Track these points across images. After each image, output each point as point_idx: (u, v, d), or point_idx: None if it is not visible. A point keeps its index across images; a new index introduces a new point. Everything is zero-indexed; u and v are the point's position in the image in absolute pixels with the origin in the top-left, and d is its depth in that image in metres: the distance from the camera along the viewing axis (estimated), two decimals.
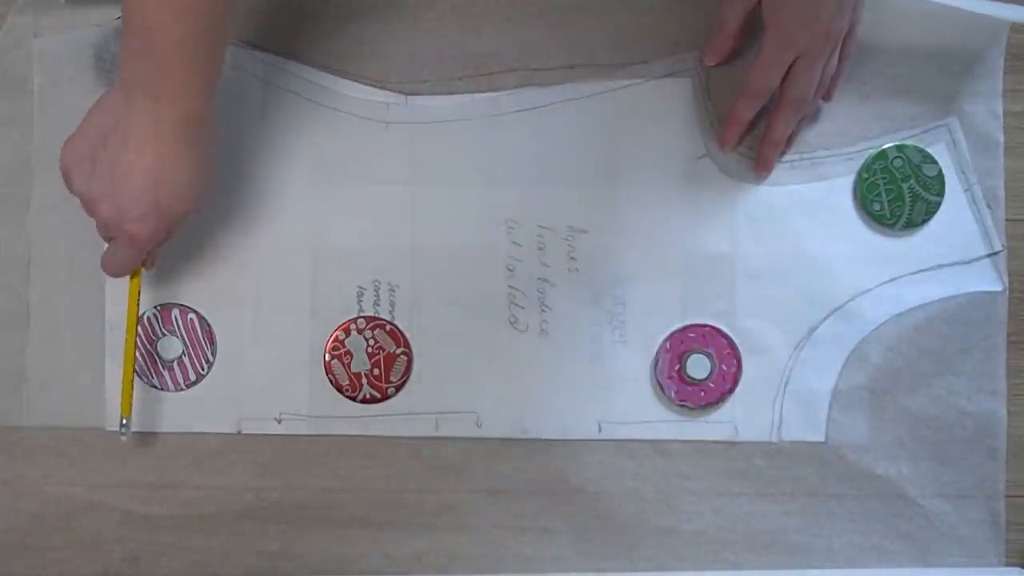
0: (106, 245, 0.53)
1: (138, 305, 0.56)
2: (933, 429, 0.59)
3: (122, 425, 0.56)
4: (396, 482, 0.59)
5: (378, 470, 0.59)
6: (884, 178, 0.59)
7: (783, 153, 0.59)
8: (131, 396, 0.56)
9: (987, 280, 0.59)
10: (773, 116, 0.57)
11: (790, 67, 0.55)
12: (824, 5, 0.52)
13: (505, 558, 0.59)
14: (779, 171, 0.59)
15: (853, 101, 0.59)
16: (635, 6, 0.59)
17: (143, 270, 0.55)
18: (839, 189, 0.59)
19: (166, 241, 0.53)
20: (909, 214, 0.59)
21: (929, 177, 0.59)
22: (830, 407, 0.59)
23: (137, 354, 0.58)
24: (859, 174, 0.59)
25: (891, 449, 0.59)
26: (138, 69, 0.47)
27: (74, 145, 0.50)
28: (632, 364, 0.59)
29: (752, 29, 0.57)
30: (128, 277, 0.55)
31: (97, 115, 0.50)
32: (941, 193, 0.59)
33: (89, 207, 0.51)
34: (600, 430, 0.59)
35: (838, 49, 0.55)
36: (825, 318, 0.59)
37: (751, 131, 0.59)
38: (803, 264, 0.59)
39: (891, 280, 0.59)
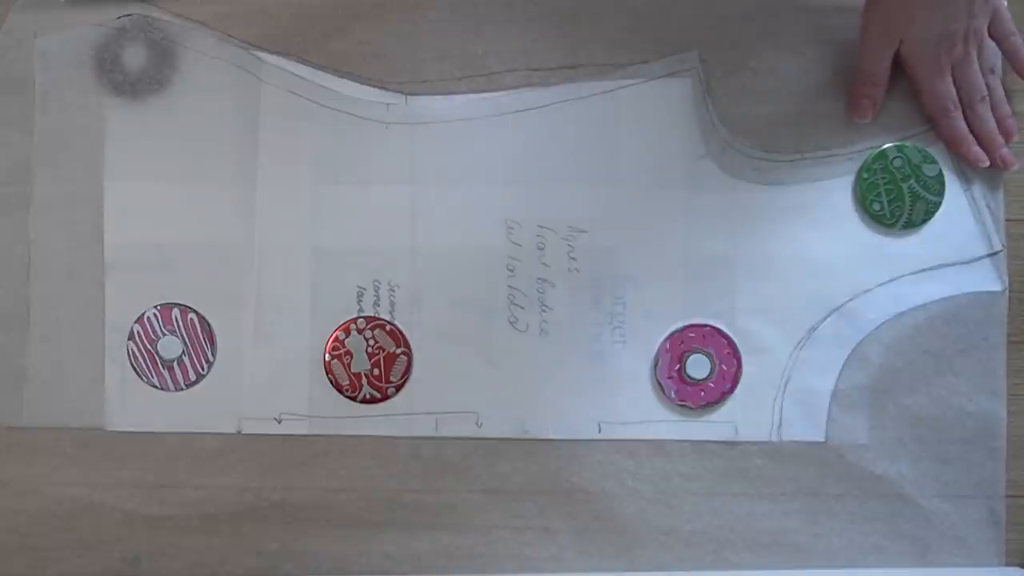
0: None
1: None
2: (933, 429, 0.59)
3: None
4: (396, 482, 0.59)
5: (378, 470, 0.59)
6: (884, 178, 0.59)
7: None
8: None
9: (987, 280, 0.59)
10: (973, 121, 0.58)
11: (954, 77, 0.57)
12: (953, 19, 0.54)
13: (505, 558, 0.59)
14: (779, 171, 0.59)
15: None
16: (635, 6, 0.59)
17: None
18: (839, 189, 0.59)
19: None
20: (909, 214, 0.59)
21: (929, 177, 0.59)
22: (830, 407, 0.59)
23: (137, 354, 0.58)
24: (859, 174, 0.59)
25: (891, 449, 0.59)
26: None
27: None
28: (632, 364, 0.59)
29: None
30: None
31: None
32: (941, 193, 0.59)
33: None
34: (600, 430, 0.59)
35: (984, 39, 0.56)
36: (825, 318, 0.59)
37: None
38: (803, 264, 0.59)
39: (891, 280, 0.59)
